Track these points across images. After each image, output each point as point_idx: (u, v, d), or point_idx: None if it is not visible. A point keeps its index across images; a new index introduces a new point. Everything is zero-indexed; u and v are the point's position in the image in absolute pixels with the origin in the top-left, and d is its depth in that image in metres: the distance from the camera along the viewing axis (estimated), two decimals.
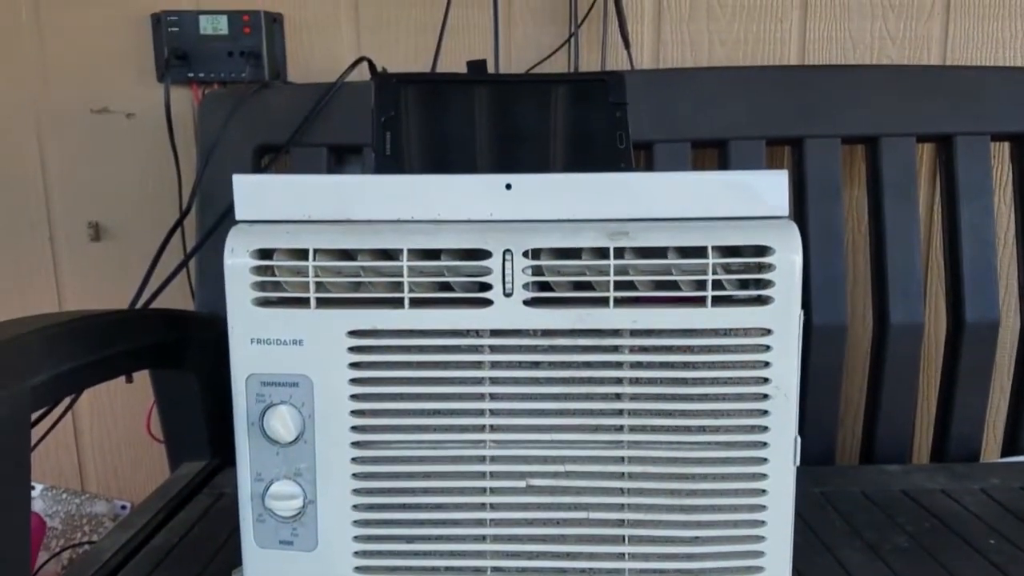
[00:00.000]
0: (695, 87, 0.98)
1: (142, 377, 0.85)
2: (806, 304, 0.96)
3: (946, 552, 0.72)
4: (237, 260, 0.53)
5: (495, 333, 0.53)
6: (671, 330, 0.53)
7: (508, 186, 0.53)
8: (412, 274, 0.53)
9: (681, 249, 0.52)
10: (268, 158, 1.01)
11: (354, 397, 0.54)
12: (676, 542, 0.55)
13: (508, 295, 0.52)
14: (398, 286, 0.53)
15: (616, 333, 0.53)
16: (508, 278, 0.52)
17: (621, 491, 0.55)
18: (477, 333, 0.53)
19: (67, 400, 0.99)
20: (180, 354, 0.82)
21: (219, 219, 0.94)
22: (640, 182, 0.53)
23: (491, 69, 1.03)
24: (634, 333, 0.53)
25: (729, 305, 0.52)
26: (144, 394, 1.04)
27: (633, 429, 0.54)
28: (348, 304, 0.53)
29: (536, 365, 0.54)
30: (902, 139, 0.98)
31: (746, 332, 0.53)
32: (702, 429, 0.54)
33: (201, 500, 0.83)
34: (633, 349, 0.53)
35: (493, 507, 0.55)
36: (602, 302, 0.52)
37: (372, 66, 0.99)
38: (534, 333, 0.53)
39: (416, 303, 0.53)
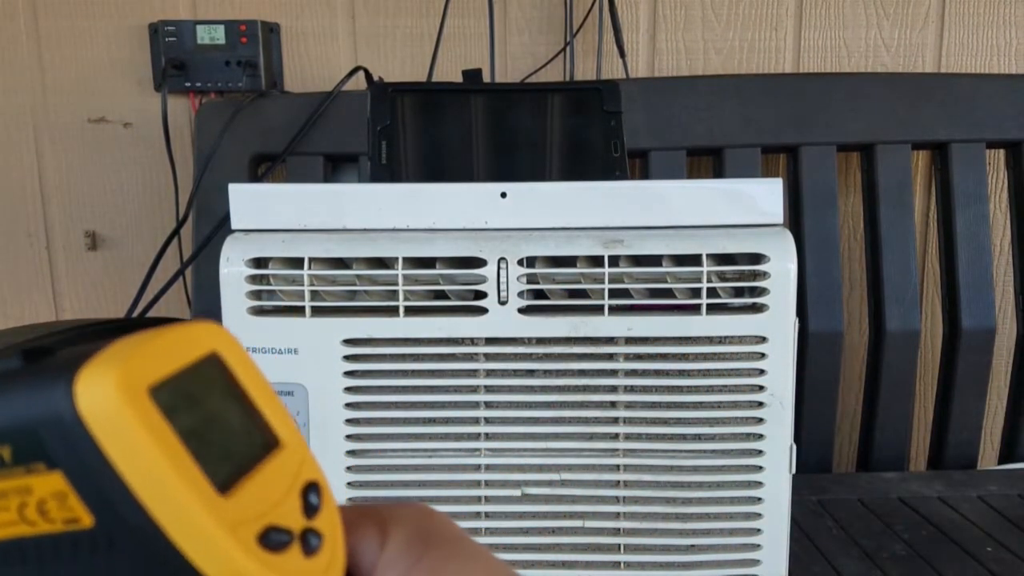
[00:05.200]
0: (690, 95, 0.98)
1: None
2: (802, 312, 0.96)
3: (943, 560, 0.72)
4: (233, 269, 0.53)
5: (490, 341, 0.53)
6: (666, 338, 0.53)
7: (503, 195, 0.53)
8: (407, 282, 0.53)
9: (676, 257, 0.52)
10: (265, 167, 1.01)
11: (349, 406, 0.54)
12: (672, 550, 0.55)
13: (503, 303, 0.52)
14: (393, 294, 0.53)
15: (611, 341, 0.53)
16: (503, 286, 0.52)
17: (617, 499, 0.55)
18: (472, 341, 0.53)
19: None
20: None
21: (216, 228, 0.94)
22: (635, 190, 0.54)
23: (487, 78, 1.04)
24: (629, 341, 0.53)
25: (724, 313, 0.53)
26: None
27: (628, 437, 0.54)
28: (343, 313, 0.53)
29: (531, 373, 0.54)
30: (897, 146, 0.98)
31: (741, 340, 0.53)
32: (697, 437, 0.54)
33: None
34: (628, 357, 0.53)
35: (488, 515, 0.55)
36: (597, 310, 0.53)
37: (368, 75, 0.99)
38: (529, 341, 0.53)
39: (411, 311, 0.53)
